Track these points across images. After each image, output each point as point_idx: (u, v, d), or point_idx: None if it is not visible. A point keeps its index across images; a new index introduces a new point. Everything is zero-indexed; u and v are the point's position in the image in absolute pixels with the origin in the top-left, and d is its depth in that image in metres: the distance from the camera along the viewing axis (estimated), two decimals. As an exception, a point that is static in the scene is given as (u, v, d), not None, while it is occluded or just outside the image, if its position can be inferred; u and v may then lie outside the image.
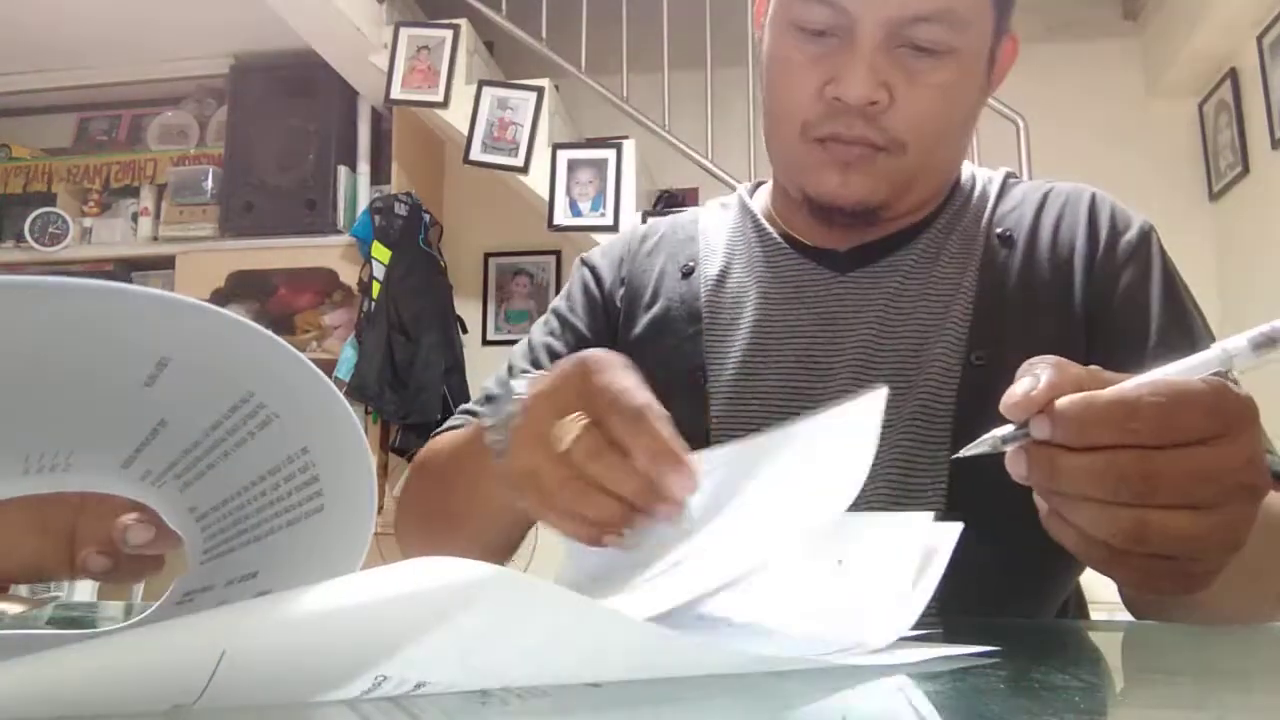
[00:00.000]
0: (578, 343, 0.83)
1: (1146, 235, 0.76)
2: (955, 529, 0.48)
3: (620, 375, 0.49)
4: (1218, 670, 0.44)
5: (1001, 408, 0.42)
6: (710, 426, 0.74)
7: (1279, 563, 0.59)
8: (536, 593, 0.30)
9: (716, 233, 0.85)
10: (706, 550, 0.47)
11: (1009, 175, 0.84)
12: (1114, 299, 0.73)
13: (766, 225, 0.83)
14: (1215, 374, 0.41)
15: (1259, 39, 2.80)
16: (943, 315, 0.73)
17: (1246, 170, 2.91)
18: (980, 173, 0.84)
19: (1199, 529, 0.39)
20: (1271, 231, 2.79)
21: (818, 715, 0.30)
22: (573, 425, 0.49)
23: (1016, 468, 0.42)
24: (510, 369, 0.85)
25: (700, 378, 0.76)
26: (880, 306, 0.75)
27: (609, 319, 0.84)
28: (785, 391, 0.74)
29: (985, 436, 0.43)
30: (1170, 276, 0.75)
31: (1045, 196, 0.79)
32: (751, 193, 0.89)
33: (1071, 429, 0.40)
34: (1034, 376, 0.42)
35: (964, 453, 0.45)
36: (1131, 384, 0.40)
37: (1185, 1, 2.98)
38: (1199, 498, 0.39)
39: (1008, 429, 0.43)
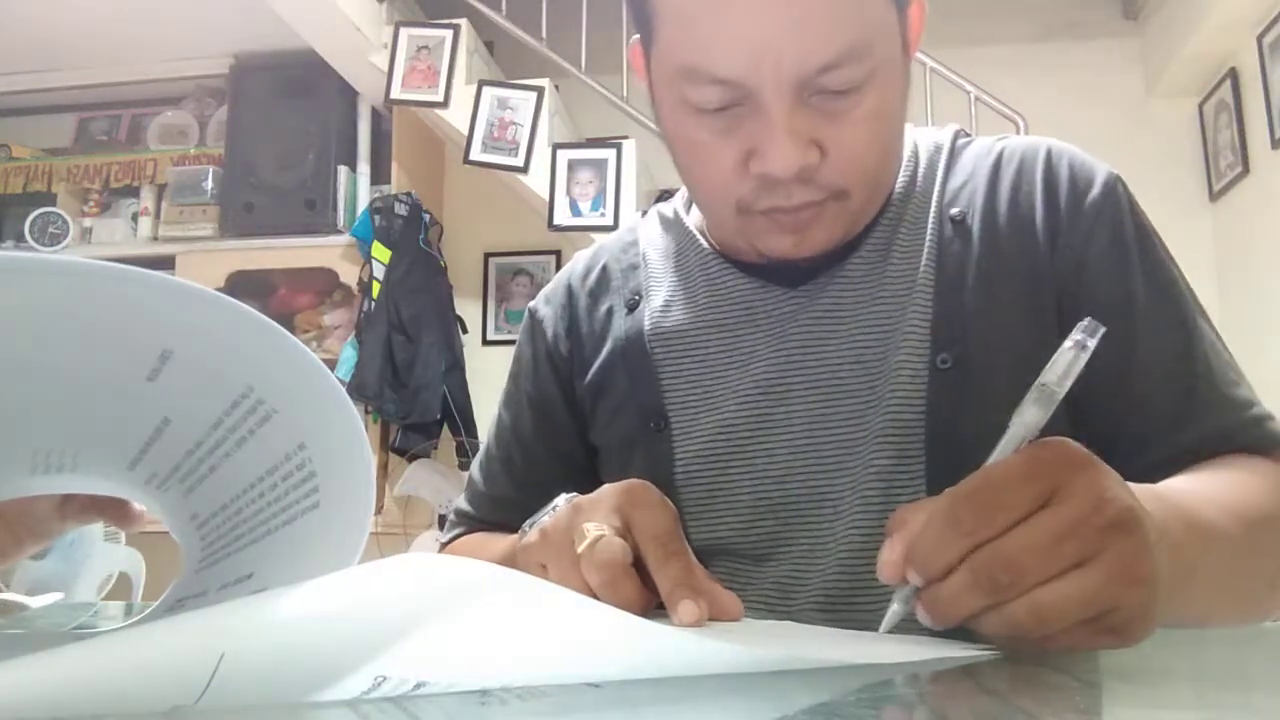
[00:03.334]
0: (534, 415, 0.82)
1: (1112, 190, 0.70)
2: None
3: (658, 513, 0.50)
4: (1217, 670, 0.44)
5: (878, 575, 0.44)
6: (675, 469, 0.71)
7: (1263, 562, 0.58)
8: (535, 589, 0.31)
9: (659, 258, 0.80)
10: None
11: (958, 135, 0.77)
12: (1086, 273, 0.68)
13: (704, 243, 0.77)
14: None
15: (1259, 39, 2.80)
16: (901, 317, 0.68)
17: (1246, 170, 2.91)
18: (923, 140, 0.76)
19: (1091, 584, 0.39)
20: (1271, 231, 2.79)
21: (818, 715, 0.30)
22: (597, 529, 0.49)
23: (925, 621, 0.43)
24: (488, 452, 0.86)
25: (661, 422, 0.72)
26: (835, 318, 0.70)
27: (557, 373, 0.81)
28: (748, 421, 0.69)
29: (890, 609, 0.45)
30: (1144, 235, 0.70)
31: (998, 162, 0.72)
32: (688, 206, 0.82)
33: (923, 563, 0.42)
34: (889, 539, 0.44)
35: (881, 630, 0.45)
36: (949, 492, 0.42)
37: (1185, 1, 2.98)
38: (1069, 558, 0.39)
39: (905, 591, 0.44)
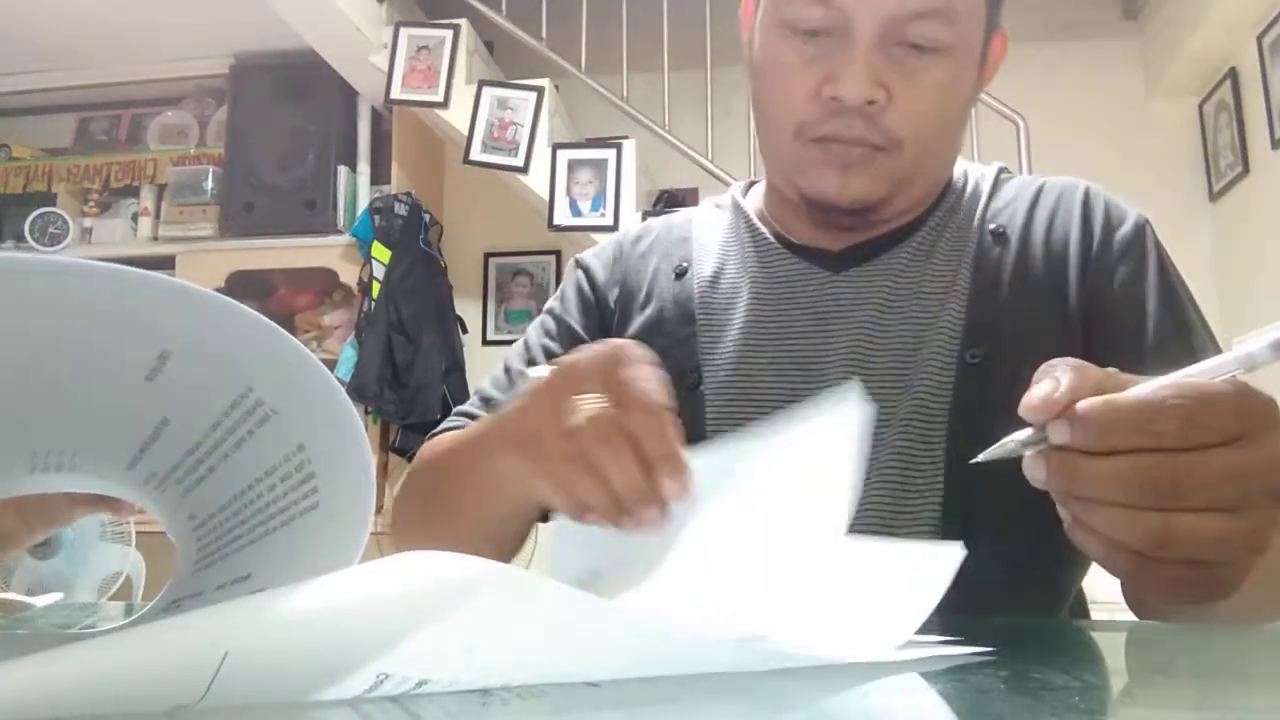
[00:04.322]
0: (574, 343, 0.82)
1: (1141, 229, 0.75)
2: (956, 554, 0.45)
3: (648, 371, 0.52)
4: (1218, 670, 0.44)
5: (1021, 410, 0.41)
6: (706, 429, 0.73)
7: None
8: (538, 588, 0.31)
9: (710, 233, 0.85)
10: (705, 562, 0.48)
11: (1001, 170, 0.83)
12: (1110, 296, 0.73)
13: (759, 225, 0.82)
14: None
15: (1259, 39, 2.81)
16: (936, 313, 0.73)
17: (1246, 170, 2.91)
18: (973, 169, 0.83)
19: (1225, 532, 0.39)
20: (1271, 231, 2.79)
21: (818, 715, 0.30)
22: (590, 405, 0.51)
23: (1035, 472, 0.41)
24: (506, 370, 0.85)
25: (695, 380, 0.75)
26: (874, 305, 0.74)
27: (603, 319, 0.84)
28: (780, 392, 0.73)
29: (1004, 440, 0.43)
30: (1166, 271, 0.74)
31: (1039, 192, 0.79)
32: (745, 192, 0.88)
33: (1092, 433, 0.40)
34: (1054, 379, 0.41)
35: (983, 457, 0.43)
36: (1153, 386, 0.40)
37: (1185, 1, 2.98)
38: (1225, 500, 0.39)
39: (1026, 433, 0.42)
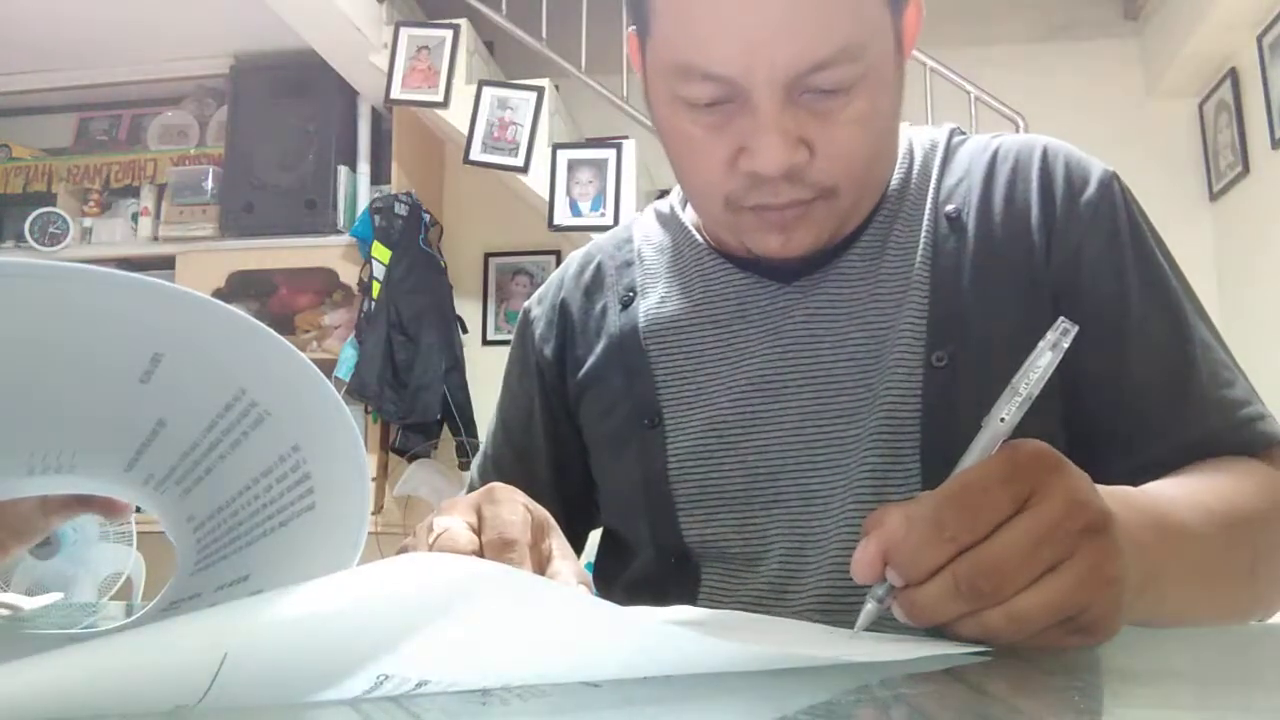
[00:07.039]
0: (522, 416, 0.83)
1: (1108, 188, 0.69)
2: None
3: (506, 509, 0.52)
4: (1218, 670, 0.44)
5: (852, 575, 0.44)
6: (669, 465, 0.71)
7: (1239, 562, 0.58)
8: (537, 588, 0.31)
9: (654, 253, 0.80)
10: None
11: (954, 133, 0.76)
12: (1080, 272, 0.68)
13: (699, 238, 0.77)
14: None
15: (1259, 39, 2.81)
16: (896, 314, 0.67)
17: (1246, 170, 2.91)
18: (919, 139, 0.76)
19: (1064, 589, 0.40)
20: (1271, 231, 2.79)
21: (817, 715, 0.30)
22: (449, 535, 0.51)
23: (902, 620, 0.43)
24: (484, 452, 0.87)
25: (655, 419, 0.72)
26: (830, 314, 0.69)
27: (541, 376, 0.82)
28: (741, 417, 0.70)
29: (865, 608, 0.44)
30: (1140, 236, 0.69)
31: (993, 160, 0.72)
32: (684, 202, 0.82)
33: (906, 567, 0.42)
34: (865, 537, 0.43)
35: (857, 629, 0.45)
36: (929, 497, 0.42)
37: (1185, 1, 2.98)
38: (1046, 562, 0.40)
39: (884, 586, 0.44)
